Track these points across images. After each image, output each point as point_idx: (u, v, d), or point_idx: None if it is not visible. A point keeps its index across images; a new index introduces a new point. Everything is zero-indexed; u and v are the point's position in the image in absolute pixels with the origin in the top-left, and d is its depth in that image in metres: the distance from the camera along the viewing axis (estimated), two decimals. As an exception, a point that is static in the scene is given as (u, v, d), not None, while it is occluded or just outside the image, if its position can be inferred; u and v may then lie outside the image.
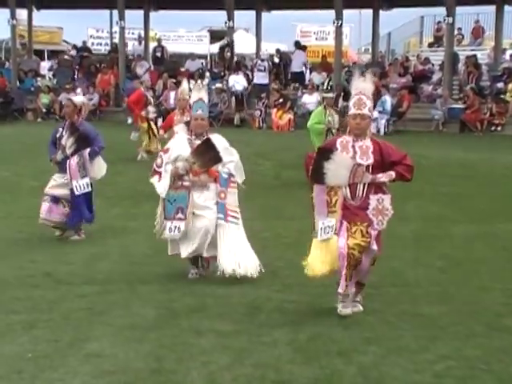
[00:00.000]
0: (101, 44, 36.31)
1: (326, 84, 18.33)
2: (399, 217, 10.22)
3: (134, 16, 31.46)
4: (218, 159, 7.70)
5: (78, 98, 10.18)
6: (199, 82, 10.95)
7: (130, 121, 24.79)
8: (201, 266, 8.03)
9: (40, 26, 35.44)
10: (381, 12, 31.07)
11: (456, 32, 28.92)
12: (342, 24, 26.65)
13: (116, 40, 31.49)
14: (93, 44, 35.93)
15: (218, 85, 26.18)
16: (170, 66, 29.02)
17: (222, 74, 28.05)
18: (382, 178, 6.42)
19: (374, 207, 6.43)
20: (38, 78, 29.91)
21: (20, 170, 14.85)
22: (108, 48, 34.03)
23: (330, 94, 14.14)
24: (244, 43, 33.50)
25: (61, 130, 9.79)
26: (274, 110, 25.35)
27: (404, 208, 11.45)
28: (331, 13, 26.90)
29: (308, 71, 29.25)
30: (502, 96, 24.51)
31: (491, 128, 23.80)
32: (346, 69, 26.98)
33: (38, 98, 27.63)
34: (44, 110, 27.02)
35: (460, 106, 24.82)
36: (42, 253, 8.99)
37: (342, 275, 6.49)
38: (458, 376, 5.31)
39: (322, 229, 6.60)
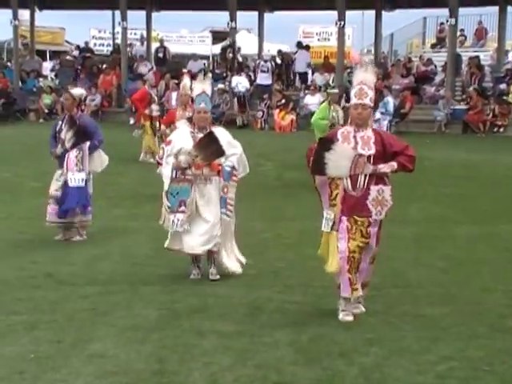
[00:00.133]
0: (103, 45, 36.31)
1: (331, 80, 18.39)
2: (401, 218, 10.30)
3: (136, 16, 31.51)
4: (220, 152, 7.67)
5: (77, 90, 10.09)
6: (202, 74, 10.90)
7: (132, 121, 24.80)
8: (210, 263, 7.96)
9: (42, 26, 35.46)
10: (383, 13, 31.07)
11: (459, 33, 28.90)
12: (344, 25, 26.66)
13: (118, 41, 31.50)
14: (95, 45, 35.93)
15: (220, 85, 26.18)
16: (172, 67, 29.03)
17: (224, 74, 28.05)
18: (384, 168, 6.37)
19: (373, 198, 6.38)
20: (40, 79, 29.94)
21: (21, 171, 14.85)
22: (110, 49, 34.05)
23: (335, 90, 14.13)
24: (246, 44, 33.47)
25: (60, 123, 9.77)
26: (277, 110, 25.35)
27: (406, 209, 11.45)
28: (334, 14, 26.92)
29: (311, 72, 29.23)
30: (505, 97, 24.49)
31: (494, 129, 23.79)
32: (349, 70, 26.96)
33: (40, 98, 27.65)
34: (46, 111, 27.04)
35: (463, 107, 24.81)
36: (44, 253, 8.98)
37: (346, 279, 6.45)
38: (461, 377, 5.30)
39: (326, 219, 6.54)
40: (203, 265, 8.02)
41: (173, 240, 7.90)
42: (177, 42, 36.48)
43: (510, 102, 24.18)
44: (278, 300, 7.11)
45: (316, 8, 31.88)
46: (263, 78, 27.62)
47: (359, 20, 39.03)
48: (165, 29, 36.38)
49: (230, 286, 7.58)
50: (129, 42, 32.02)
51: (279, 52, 30.76)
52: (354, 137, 6.45)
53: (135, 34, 33.40)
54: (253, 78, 28.30)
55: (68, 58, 32.10)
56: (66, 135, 9.56)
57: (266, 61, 28.26)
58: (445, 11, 26.94)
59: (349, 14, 27.54)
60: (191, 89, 14.42)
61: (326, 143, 6.47)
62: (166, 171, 7.71)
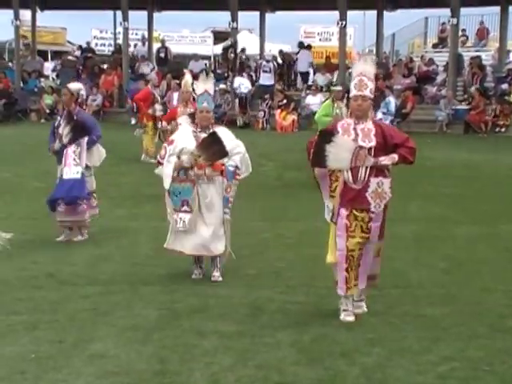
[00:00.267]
0: (104, 45, 36.34)
1: (335, 78, 18.38)
2: (402, 218, 10.30)
3: (138, 17, 31.50)
4: (223, 153, 7.64)
5: (75, 85, 10.07)
6: (204, 74, 10.89)
7: (133, 121, 24.80)
8: (214, 266, 7.95)
9: (44, 26, 35.48)
10: (385, 13, 31.08)
11: (460, 33, 28.90)
12: (346, 25, 26.66)
13: (120, 41, 31.53)
14: (96, 45, 35.96)
15: (222, 86, 26.18)
16: (173, 67, 29.02)
17: (226, 74, 28.06)
18: (385, 160, 6.32)
19: (373, 190, 6.34)
20: (42, 79, 29.95)
21: (22, 171, 14.86)
22: (112, 49, 34.07)
23: (339, 87, 14.12)
24: (248, 44, 33.49)
25: (59, 118, 9.77)
26: (278, 111, 25.35)
27: (407, 209, 11.45)
28: (335, 14, 26.91)
29: (312, 72, 29.23)
30: (507, 97, 24.49)
31: (496, 129, 23.79)
32: (350, 70, 26.97)
33: (41, 98, 27.66)
34: (47, 111, 27.03)
35: (464, 107, 24.81)
36: (44, 254, 8.99)
37: (342, 277, 6.45)
38: (461, 377, 5.30)
39: (328, 207, 6.55)
40: (205, 265, 8.03)
41: (173, 241, 7.87)
42: (178, 42, 36.53)
43: (511, 102, 24.18)
44: (279, 300, 7.11)
45: (317, 8, 31.89)
46: (265, 79, 27.62)
47: (361, 20, 39.03)
48: (166, 29, 36.43)
49: (230, 286, 7.58)
50: (134, 43, 32.10)
51: (280, 52, 30.78)
52: (354, 129, 6.40)
53: (136, 34, 33.41)
54: (254, 78, 28.31)
55: (69, 58, 32.10)
56: (64, 130, 9.55)
57: (268, 61, 28.26)
58: (446, 11, 26.95)
59: (350, 13, 27.55)
60: (192, 86, 14.49)
61: (327, 135, 6.42)
62: (168, 170, 7.69)
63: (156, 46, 32.15)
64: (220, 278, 7.83)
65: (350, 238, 6.39)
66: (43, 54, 34.45)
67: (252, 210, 11.18)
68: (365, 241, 6.41)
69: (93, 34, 36.69)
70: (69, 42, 38.69)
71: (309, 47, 30.09)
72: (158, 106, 17.06)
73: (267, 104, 25.74)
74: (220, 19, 34.13)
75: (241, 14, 28.20)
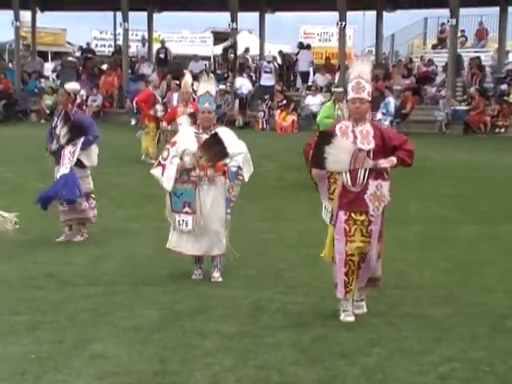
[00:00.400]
0: (104, 46, 36.35)
1: (336, 80, 18.35)
2: (403, 219, 10.31)
3: (138, 17, 31.51)
4: (224, 154, 7.64)
5: (71, 85, 10.04)
6: (205, 75, 10.93)
7: (133, 122, 24.81)
8: (214, 267, 7.96)
9: (44, 27, 35.48)
10: (384, 13, 31.07)
11: (459, 34, 28.91)
12: (345, 25, 26.66)
13: (120, 42, 31.53)
14: (96, 46, 35.98)
15: (222, 86, 26.19)
16: (173, 68, 29.03)
17: (226, 75, 28.07)
18: (384, 163, 6.30)
19: (371, 193, 6.31)
20: (42, 80, 29.96)
21: (23, 172, 14.86)
22: (111, 50, 34.08)
23: (340, 89, 14.11)
24: (248, 45, 33.49)
25: (56, 119, 9.76)
26: (278, 111, 25.36)
27: (407, 210, 11.46)
28: (335, 14, 26.92)
29: (312, 72, 29.25)
30: (506, 98, 24.50)
31: (495, 130, 23.79)
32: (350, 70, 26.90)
33: (41, 99, 27.66)
34: (48, 112, 27.00)
35: (464, 107, 24.83)
36: (46, 254, 8.99)
37: (341, 280, 6.44)
38: (462, 378, 5.30)
39: (326, 207, 6.53)
40: (205, 266, 8.03)
41: (175, 242, 7.87)
42: (178, 43, 36.54)
43: (510, 103, 24.19)
44: (280, 301, 7.11)
45: (317, 9, 31.87)
46: (266, 79, 27.64)
47: (360, 20, 39.01)
48: (166, 30, 36.44)
49: (231, 287, 7.58)
50: (135, 44, 32.12)
51: (280, 52, 30.79)
52: (353, 131, 6.38)
53: (136, 35, 33.42)
54: (254, 78, 28.32)
55: (69, 59, 32.12)
56: (61, 131, 9.54)
57: (269, 62, 28.27)
58: (446, 12, 26.95)
59: (350, 14, 27.55)
60: (192, 86, 14.48)
61: (326, 137, 6.39)
62: (171, 172, 7.68)
63: (156, 46, 32.15)
64: (220, 279, 7.84)
65: (349, 242, 6.36)
66: (43, 55, 34.46)
67: (252, 211, 11.19)
68: (366, 245, 6.36)
69: (93, 34, 36.69)
70: (69, 42, 38.72)
71: (308, 47, 30.13)
72: (159, 107, 17.06)
73: (267, 104, 25.75)
74: (220, 20, 34.19)
75: (240, 15, 28.20)
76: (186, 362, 5.55)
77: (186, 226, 7.67)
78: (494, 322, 6.55)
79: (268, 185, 13.59)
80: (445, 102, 24.79)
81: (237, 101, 26.24)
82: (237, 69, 27.92)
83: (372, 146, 6.34)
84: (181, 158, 7.65)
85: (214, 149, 7.61)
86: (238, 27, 28.96)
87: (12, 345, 5.89)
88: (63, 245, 9.57)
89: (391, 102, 24.21)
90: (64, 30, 38.38)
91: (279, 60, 29.96)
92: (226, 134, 7.79)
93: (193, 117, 10.15)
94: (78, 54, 33.82)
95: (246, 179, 7.93)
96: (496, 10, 29.66)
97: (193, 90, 14.41)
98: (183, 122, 10.13)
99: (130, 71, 29.47)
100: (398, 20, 32.84)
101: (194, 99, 14.17)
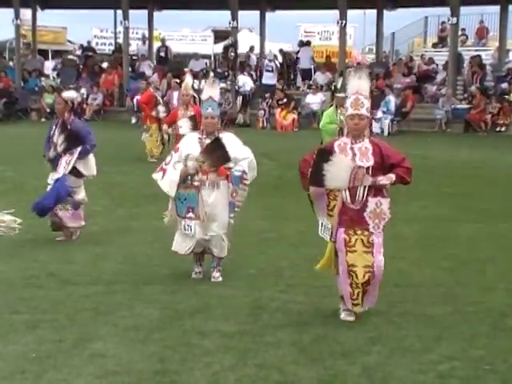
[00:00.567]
0: (105, 44, 36.35)
1: (339, 84, 18.26)
2: (404, 217, 10.30)
3: (138, 16, 31.53)
4: (226, 158, 7.61)
5: (69, 93, 10.01)
6: (211, 78, 10.91)
7: (133, 120, 24.86)
8: (214, 268, 7.93)
9: (44, 25, 35.48)
10: (385, 12, 31.09)
11: (460, 32, 28.91)
12: (346, 24, 26.69)
13: (120, 40, 31.54)
14: (97, 44, 35.99)
15: (223, 85, 26.22)
16: (173, 66, 29.08)
17: (226, 74, 28.09)
18: (383, 180, 6.25)
19: (371, 210, 6.28)
20: (42, 78, 29.99)
21: (24, 170, 14.85)
22: (112, 48, 34.09)
23: (342, 94, 14.08)
24: (248, 43, 33.50)
25: (54, 127, 9.75)
26: (278, 110, 25.37)
27: (408, 208, 11.45)
28: (335, 13, 26.94)
29: (313, 68, 29.23)
30: (506, 96, 24.51)
31: (496, 128, 23.81)
32: (350, 69, 26.96)
33: (41, 97, 27.68)
34: (48, 110, 27.02)
35: (464, 106, 24.83)
36: (47, 253, 8.98)
37: (346, 292, 6.39)
38: (463, 376, 5.30)
39: (323, 224, 6.45)
40: (206, 266, 8.02)
41: (178, 243, 7.85)
42: (178, 42, 36.54)
43: (511, 101, 24.20)
44: (281, 300, 7.11)
45: (317, 7, 31.92)
46: (268, 78, 27.66)
47: (361, 19, 39.09)
48: (166, 28, 36.47)
49: (231, 286, 7.57)
50: (136, 42, 32.08)
51: (281, 51, 30.80)
52: (352, 148, 6.34)
53: (137, 33, 33.43)
54: (255, 77, 28.33)
55: (70, 57, 32.14)
56: (58, 140, 9.54)
57: (270, 60, 28.26)
58: (446, 10, 26.98)
59: (350, 13, 27.59)
60: (192, 87, 14.47)
61: (325, 154, 6.33)
62: (174, 177, 7.66)
63: (156, 45, 32.16)
64: (220, 278, 7.83)
65: (350, 252, 6.31)
66: (44, 53, 34.47)
67: (253, 209, 11.16)
68: (369, 256, 6.29)
69: (93, 33, 36.70)
70: (69, 41, 38.71)
71: (308, 43, 30.15)
72: (161, 108, 17.07)
73: (267, 103, 25.76)
74: (220, 18, 34.27)
75: (241, 13, 28.24)
76: (186, 361, 5.55)
77: (191, 230, 7.66)
78: (495, 320, 6.55)
79: (268, 183, 13.57)
80: (444, 100, 24.81)
81: (239, 98, 26.23)
82: (237, 67, 27.93)
83: (371, 163, 6.29)
84: (185, 164, 7.63)
85: (216, 153, 7.58)
86: (239, 26, 29.02)
87: (12, 343, 5.89)
88: (63, 244, 9.56)
89: (391, 100, 24.24)
90: (64, 29, 38.37)
91: (280, 58, 29.97)
92: (230, 139, 7.74)
93: (193, 120, 10.16)
94: (78, 52, 33.85)
95: (248, 181, 7.91)
96: (496, 8, 29.69)
97: (194, 89, 14.41)
98: (183, 125, 10.13)
99: (130, 69, 29.50)
100: (398, 18, 32.89)
101: (194, 101, 14.18)
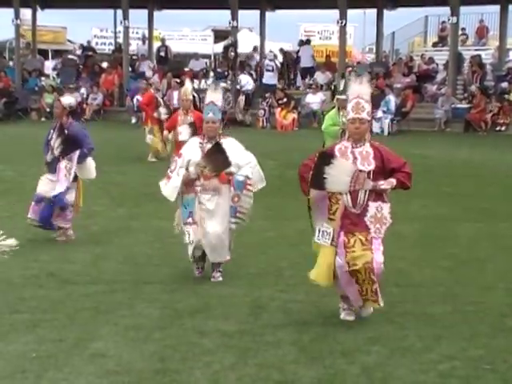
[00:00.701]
0: (105, 44, 36.34)
1: (341, 85, 18.31)
2: (404, 216, 10.30)
3: (138, 15, 31.53)
4: (227, 163, 7.59)
5: (67, 98, 10.04)
6: (213, 82, 10.94)
7: (133, 120, 24.85)
8: (214, 269, 7.91)
9: (44, 25, 35.47)
10: (385, 12, 31.09)
11: (460, 32, 28.91)
12: (346, 23, 26.70)
13: (120, 40, 31.54)
14: (97, 44, 35.98)
15: (223, 84, 26.23)
16: (173, 66, 29.08)
17: (226, 73, 28.09)
18: (384, 185, 6.26)
19: (372, 215, 6.27)
20: (42, 78, 29.99)
21: (25, 170, 14.83)
22: (112, 48, 34.09)
23: (343, 96, 14.09)
24: (248, 42, 33.51)
25: (52, 131, 9.77)
26: (278, 109, 25.37)
27: (408, 208, 11.44)
28: (335, 12, 26.93)
29: (314, 67, 29.25)
30: (506, 96, 24.51)
31: (496, 128, 23.81)
32: (350, 68, 26.99)
33: (41, 97, 27.69)
34: (48, 110, 27.00)
35: (464, 105, 24.83)
36: (47, 252, 8.99)
37: (354, 291, 6.34)
38: (463, 376, 5.31)
39: (320, 231, 6.38)
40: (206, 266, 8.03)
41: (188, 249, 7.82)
42: (178, 41, 36.53)
43: (511, 101, 24.20)
44: (281, 299, 7.12)
45: (317, 7, 31.90)
46: (268, 77, 27.65)
47: (361, 19, 39.11)
48: (166, 28, 36.44)
49: (232, 285, 7.58)
50: (136, 42, 32.08)
51: (281, 50, 30.81)
52: (352, 152, 6.34)
53: (137, 33, 33.42)
54: (255, 76, 28.33)
55: (70, 57, 32.13)
56: (55, 143, 9.56)
57: (270, 60, 28.27)
58: (446, 10, 26.99)
59: (350, 12, 27.60)
60: (192, 92, 14.46)
61: (326, 157, 6.33)
62: (176, 182, 7.65)
63: (156, 44, 32.16)
64: (220, 278, 7.83)
65: (349, 253, 6.27)
66: (44, 53, 34.45)
67: (253, 209, 11.16)
68: (367, 253, 6.25)
69: (93, 32, 36.69)
70: (69, 40, 38.69)
71: (308, 41, 30.18)
72: (162, 110, 17.07)
73: (267, 102, 25.76)
74: (220, 18, 34.24)
75: (241, 13, 28.24)
76: (186, 360, 5.56)
77: (189, 237, 7.65)
78: (494, 320, 6.56)
79: (269, 183, 13.49)
80: (444, 99, 24.81)
81: (242, 98, 26.21)
82: (237, 67, 27.92)
83: (372, 167, 6.30)
84: (187, 169, 7.61)
85: (216, 158, 7.56)
86: (239, 25, 29.00)
87: (12, 343, 5.90)
88: (63, 243, 9.56)
89: (392, 100, 24.24)
90: (64, 28, 38.35)
91: (280, 58, 29.97)
92: (231, 144, 7.73)
93: (192, 127, 10.14)
94: (78, 52, 33.83)
95: (255, 190, 7.89)
96: (496, 7, 29.70)
97: (193, 96, 14.39)
98: (183, 131, 10.12)
99: (130, 69, 29.49)
100: (398, 18, 32.88)
101: (194, 106, 14.15)
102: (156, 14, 32.41)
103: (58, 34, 38.09)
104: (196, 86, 24.01)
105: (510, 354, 5.70)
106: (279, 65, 28.79)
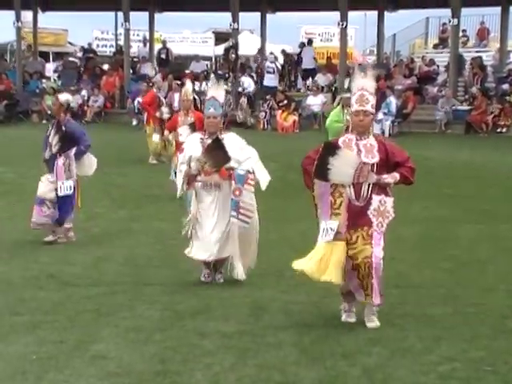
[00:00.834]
0: (106, 46, 36.35)
1: (346, 84, 18.30)
2: (404, 218, 10.28)
3: (139, 18, 31.53)
4: (226, 158, 7.58)
5: (64, 95, 10.08)
6: (214, 79, 10.91)
7: (134, 122, 24.84)
8: (212, 269, 7.91)
9: (45, 27, 35.48)
10: (386, 13, 31.07)
11: (461, 34, 28.91)
12: (346, 25, 26.67)
13: (121, 42, 31.55)
14: (98, 46, 35.98)
15: (224, 86, 26.19)
16: (174, 68, 29.07)
17: (227, 75, 28.09)
18: (387, 178, 6.25)
19: (375, 208, 6.25)
20: (43, 80, 29.98)
21: (25, 172, 14.84)
22: (113, 50, 34.09)
23: (348, 94, 14.08)
24: (249, 45, 33.50)
25: (50, 128, 9.80)
26: (279, 111, 25.37)
27: (409, 209, 11.44)
28: (336, 14, 26.91)
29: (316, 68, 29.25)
30: (507, 97, 24.50)
31: (497, 129, 23.79)
32: (351, 70, 27.00)
33: (43, 99, 27.65)
34: (49, 112, 26.96)
35: (465, 107, 24.82)
36: (47, 254, 8.99)
37: (356, 285, 6.33)
38: (463, 377, 5.30)
39: (324, 230, 6.33)
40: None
41: (194, 249, 7.77)
42: (179, 43, 36.55)
43: (512, 102, 24.22)
44: (282, 300, 7.11)
45: (318, 9, 31.87)
46: (269, 80, 27.64)
47: (362, 21, 39.09)
48: (167, 30, 36.47)
49: (233, 286, 7.58)
50: (137, 44, 32.06)
51: (283, 51, 30.80)
52: (357, 144, 6.32)
53: (138, 35, 33.42)
54: (255, 79, 28.32)
55: (71, 59, 32.14)
56: (53, 140, 9.58)
57: (271, 61, 28.27)
58: (447, 11, 26.94)
59: (351, 14, 27.57)
60: (193, 93, 14.46)
61: (331, 148, 6.31)
62: (179, 179, 7.68)
63: (157, 46, 32.16)
64: (221, 280, 7.82)
65: (351, 250, 6.27)
66: (45, 55, 34.45)
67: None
68: (367, 247, 6.26)
69: (94, 35, 36.70)
70: (70, 43, 38.70)
71: (310, 42, 30.17)
72: (164, 109, 17.06)
73: (268, 104, 25.76)
74: (221, 20, 34.13)
75: (242, 15, 28.23)
76: (187, 361, 5.55)
77: (189, 232, 7.65)
78: (495, 321, 6.55)
79: (270, 185, 13.54)
80: (443, 101, 24.80)
81: (245, 100, 26.19)
82: (238, 69, 27.92)
83: (376, 159, 6.28)
84: (188, 165, 7.61)
85: (216, 153, 7.55)
86: (240, 27, 28.98)
87: (13, 344, 5.90)
88: (64, 245, 9.57)
89: (392, 101, 24.22)
90: (65, 31, 38.37)
91: (281, 60, 29.96)
92: (232, 139, 7.72)
93: (193, 127, 10.15)
94: (79, 54, 33.82)
95: (264, 187, 7.88)
96: (497, 9, 29.67)
97: (194, 91, 14.40)
98: (183, 132, 10.11)
99: (131, 71, 29.49)
100: (399, 20, 32.84)
101: (195, 107, 14.15)
102: (157, 16, 32.42)
103: (59, 36, 38.11)
104: (197, 88, 23.99)
105: (510, 356, 5.69)
106: (280, 67, 28.78)
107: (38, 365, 5.47)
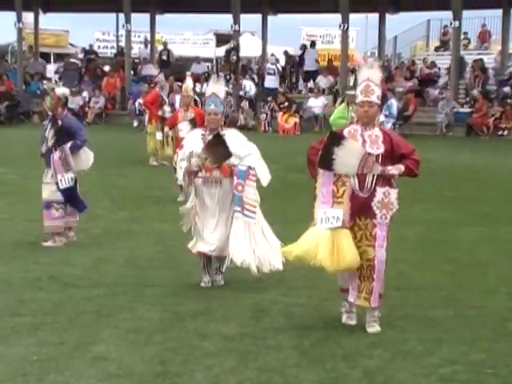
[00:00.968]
0: (107, 47, 36.39)
1: (351, 81, 18.30)
2: (406, 220, 10.27)
3: (140, 19, 31.59)
4: (227, 154, 7.55)
5: (61, 89, 10.08)
6: (214, 75, 10.95)
7: (135, 124, 24.86)
8: (217, 269, 7.88)
9: (46, 28, 35.51)
10: (387, 16, 31.10)
11: (462, 36, 28.92)
12: (348, 28, 26.70)
13: (122, 43, 31.57)
14: (99, 47, 36.03)
15: (225, 88, 26.20)
16: (175, 70, 29.09)
17: (228, 77, 28.10)
18: (392, 170, 6.20)
19: (379, 200, 6.21)
20: (44, 81, 29.94)
21: (26, 173, 14.85)
22: (114, 51, 34.11)
23: (352, 91, 14.08)
24: (250, 46, 33.52)
25: (47, 122, 9.82)
26: (280, 113, 25.38)
27: (411, 212, 11.42)
28: (337, 16, 26.94)
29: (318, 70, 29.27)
30: (509, 100, 24.50)
31: (498, 132, 23.80)
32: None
33: (43, 100, 27.52)
34: (50, 113, 26.99)
35: (466, 110, 24.82)
36: (48, 255, 8.98)
37: (355, 285, 6.35)
38: (464, 380, 5.30)
39: (323, 218, 6.25)
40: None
41: (196, 243, 7.76)
42: (180, 45, 36.58)
43: (514, 105, 24.24)
44: (282, 303, 7.10)
45: (319, 11, 31.91)
46: (270, 81, 27.65)
47: (363, 23, 39.14)
48: (168, 31, 36.50)
49: (233, 289, 7.57)
50: (138, 46, 32.07)
51: (285, 53, 30.81)
52: (362, 135, 6.28)
53: (139, 36, 33.46)
54: (256, 80, 28.34)
55: (72, 60, 32.17)
56: (49, 134, 9.60)
57: (272, 63, 28.27)
58: (448, 14, 26.97)
59: (352, 16, 27.60)
60: (194, 90, 14.47)
61: (336, 138, 6.25)
62: (179, 175, 7.67)
63: (158, 48, 32.19)
64: (222, 282, 7.80)
65: (356, 246, 6.23)
66: (46, 57, 34.49)
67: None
68: (370, 249, 6.26)
69: (95, 36, 36.75)
70: (71, 44, 38.76)
71: (313, 44, 30.19)
72: (166, 108, 17.07)
73: (269, 106, 25.77)
74: (222, 22, 34.20)
75: (243, 17, 28.26)
76: (187, 363, 5.54)
77: (193, 245, 7.65)
78: (496, 324, 6.54)
79: (271, 186, 13.53)
80: (444, 103, 24.81)
81: (246, 103, 26.20)
82: (239, 71, 27.93)
83: (381, 150, 6.24)
84: (189, 161, 7.59)
85: (217, 149, 7.53)
86: (241, 29, 29.00)
87: (13, 346, 5.89)
88: (65, 246, 9.55)
89: (394, 104, 24.22)
90: (66, 32, 38.42)
91: (283, 61, 29.98)
92: (233, 135, 7.71)
93: (193, 123, 10.15)
94: (80, 55, 33.87)
95: (265, 184, 7.87)
96: (499, 12, 29.71)
97: (195, 92, 14.40)
98: (183, 128, 10.11)
99: (132, 73, 29.52)
100: (400, 22, 32.89)
101: (195, 103, 14.15)
102: (158, 17, 32.46)
103: (60, 37, 38.16)
104: (198, 90, 24.00)
105: (511, 358, 5.68)
106: (281, 68, 28.79)
107: (38, 366, 5.46)
